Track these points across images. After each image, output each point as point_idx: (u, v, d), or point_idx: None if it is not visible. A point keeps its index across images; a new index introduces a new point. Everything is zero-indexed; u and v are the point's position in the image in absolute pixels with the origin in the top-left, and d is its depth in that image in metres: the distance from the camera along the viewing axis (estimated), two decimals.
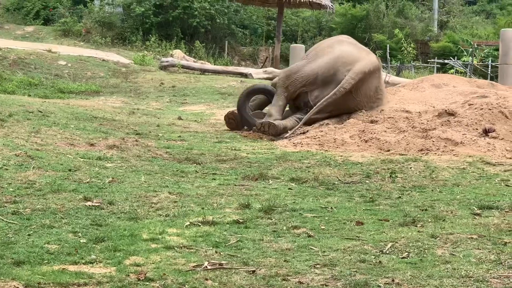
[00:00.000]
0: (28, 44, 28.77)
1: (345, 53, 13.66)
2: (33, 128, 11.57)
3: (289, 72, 14.05)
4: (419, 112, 12.74)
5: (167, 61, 27.45)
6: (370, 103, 13.65)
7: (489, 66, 30.36)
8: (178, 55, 29.68)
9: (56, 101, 16.84)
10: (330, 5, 31.27)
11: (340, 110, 13.53)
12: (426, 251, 6.25)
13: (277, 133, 13.06)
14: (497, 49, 31.45)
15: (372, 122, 12.67)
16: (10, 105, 13.37)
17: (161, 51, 32.31)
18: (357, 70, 13.29)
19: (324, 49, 14.13)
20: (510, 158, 10.81)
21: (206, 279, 5.46)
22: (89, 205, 7.66)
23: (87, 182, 8.68)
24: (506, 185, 9.19)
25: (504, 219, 7.27)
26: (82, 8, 36.02)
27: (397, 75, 28.35)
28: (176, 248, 6.29)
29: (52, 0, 40.22)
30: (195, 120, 15.90)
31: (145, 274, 5.52)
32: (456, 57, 32.64)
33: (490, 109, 12.21)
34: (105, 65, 26.28)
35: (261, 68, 30.29)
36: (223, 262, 5.90)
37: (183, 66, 27.16)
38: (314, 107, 13.29)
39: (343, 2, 40.45)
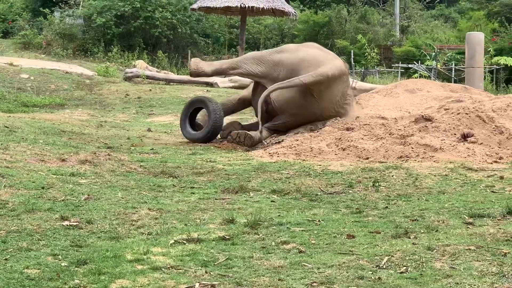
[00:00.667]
0: None
1: (309, 56, 13.37)
2: (1, 144, 11.16)
3: None
4: (395, 118, 12.55)
5: (131, 72, 27.09)
6: (337, 109, 13.41)
7: (453, 69, 30.37)
8: (141, 66, 29.40)
9: (21, 115, 16.41)
10: (293, 12, 31.14)
11: (306, 116, 13.24)
12: (424, 264, 5.99)
13: (253, 144, 12.80)
14: (459, 53, 31.59)
15: (348, 129, 12.44)
16: None
17: (123, 62, 31.98)
18: (320, 71, 13.00)
19: (289, 50, 13.88)
20: (491, 163, 10.64)
21: None
22: (67, 225, 7.30)
23: (62, 200, 8.31)
24: (492, 192, 8.99)
25: (500, 228, 7.04)
26: (42, 20, 35.54)
27: (362, 80, 28.24)
28: (163, 268, 5.97)
29: (10, 13, 39.71)
30: (165, 132, 15.58)
31: None
32: (419, 61, 32.62)
33: (467, 114, 12.05)
34: (68, 78, 25.83)
35: (225, 77, 30.03)
36: (214, 283, 5.60)
37: (147, 77, 26.83)
38: (265, 91, 13.04)
39: (305, 9, 40.36)
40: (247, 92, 14.51)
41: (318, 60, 13.20)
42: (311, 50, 13.59)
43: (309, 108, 13.19)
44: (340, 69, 13.35)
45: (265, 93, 13.00)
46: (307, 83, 12.84)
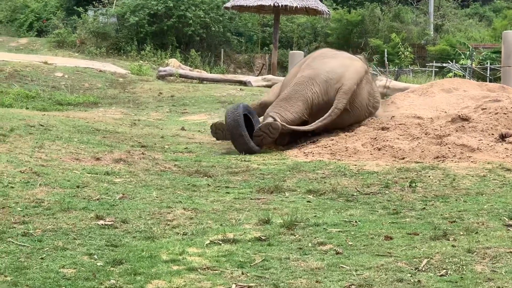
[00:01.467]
0: (23, 56, 28.43)
1: (329, 73, 13.09)
2: (36, 142, 11.19)
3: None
4: (431, 118, 12.41)
5: (164, 71, 27.11)
6: (369, 110, 13.31)
7: (488, 68, 30.10)
8: (174, 64, 29.42)
9: (56, 113, 16.45)
10: (326, 11, 31.03)
11: (341, 126, 13.12)
12: (464, 267, 5.90)
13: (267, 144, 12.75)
14: (495, 52, 31.31)
15: (383, 129, 12.31)
16: (10, 119, 12.98)
17: (156, 60, 32.03)
18: (347, 88, 12.78)
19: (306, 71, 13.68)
20: None
21: None
22: (102, 224, 7.29)
23: (97, 199, 8.30)
24: None
25: None
26: (76, 19, 35.67)
27: (396, 79, 28.03)
28: (199, 269, 5.93)
29: (45, 12, 39.94)
30: (199, 130, 15.54)
31: None
32: (454, 60, 32.38)
33: (505, 113, 11.88)
34: (102, 76, 25.92)
35: (257, 75, 30.01)
36: (251, 284, 5.55)
37: (180, 75, 26.84)
38: (307, 127, 12.80)
39: (338, 8, 40.20)
40: (267, 97, 14.25)
41: (338, 73, 12.99)
42: (328, 65, 13.29)
43: (345, 120, 13.09)
44: (360, 73, 13.16)
45: (306, 129, 12.81)
46: (344, 107, 12.74)
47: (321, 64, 13.29)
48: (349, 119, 13.08)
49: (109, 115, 17.74)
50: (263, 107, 13.63)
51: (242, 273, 5.83)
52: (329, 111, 12.63)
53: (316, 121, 12.66)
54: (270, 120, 12.40)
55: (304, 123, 12.84)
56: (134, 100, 22.28)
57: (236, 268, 5.98)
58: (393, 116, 12.81)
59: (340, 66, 13.14)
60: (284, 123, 12.34)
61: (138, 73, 27.46)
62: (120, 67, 28.84)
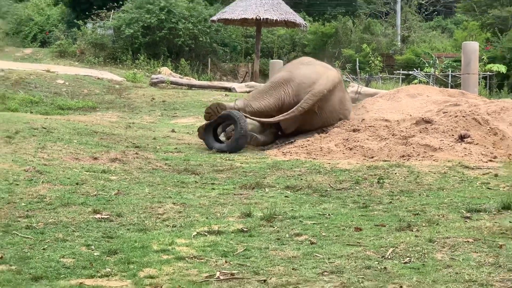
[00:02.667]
0: (27, 65, 28.26)
1: (303, 77, 13.08)
2: (39, 144, 11.14)
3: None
4: (398, 121, 12.43)
5: (156, 78, 27.02)
6: (338, 116, 13.32)
7: (450, 76, 30.15)
8: (165, 72, 29.33)
9: (57, 117, 16.37)
10: (303, 23, 31.04)
11: (309, 127, 13.11)
12: (426, 255, 5.92)
13: (258, 145, 12.81)
14: (456, 61, 31.35)
15: (354, 131, 12.33)
16: (16, 123, 12.92)
17: (149, 68, 31.92)
18: (316, 91, 12.77)
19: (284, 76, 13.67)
20: (487, 162, 10.52)
21: None
22: (99, 218, 7.28)
23: (95, 195, 8.28)
24: (488, 188, 8.89)
25: (495, 222, 6.95)
26: (76, 31, 35.50)
27: (367, 85, 28.04)
28: (187, 258, 5.93)
29: (48, 24, 39.77)
30: (188, 132, 15.49)
31: (161, 287, 5.17)
32: (419, 68, 32.43)
33: (464, 116, 11.93)
34: (100, 83, 25.79)
35: (241, 82, 29.95)
36: (234, 271, 5.56)
37: (171, 82, 26.75)
38: (272, 119, 12.85)
39: (311, 20, 40.17)
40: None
41: (311, 78, 12.98)
42: (303, 71, 13.32)
43: (314, 122, 13.06)
44: (333, 81, 13.08)
45: (270, 121, 12.87)
46: (309, 107, 12.73)
47: (297, 69, 13.32)
48: (317, 121, 13.03)
49: (106, 119, 17.66)
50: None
51: (226, 262, 5.84)
52: (294, 108, 12.71)
53: (280, 115, 12.75)
54: (231, 105, 12.93)
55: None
56: (129, 105, 22.18)
57: (220, 257, 5.98)
58: (363, 119, 12.82)
59: (315, 72, 13.12)
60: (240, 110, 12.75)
61: (133, 80, 27.35)
62: (117, 75, 28.70)
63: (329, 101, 12.93)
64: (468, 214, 7.36)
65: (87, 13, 36.58)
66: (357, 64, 32.35)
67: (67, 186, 8.65)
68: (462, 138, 11.39)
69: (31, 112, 18.01)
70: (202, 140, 13.15)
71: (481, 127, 11.64)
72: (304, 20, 33.51)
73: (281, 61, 26.61)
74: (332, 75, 13.24)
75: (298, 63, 13.94)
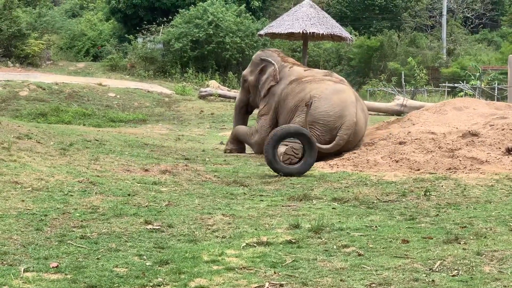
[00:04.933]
0: (80, 79, 28.72)
1: (326, 116, 12.83)
2: (92, 155, 11.30)
3: None
4: (444, 134, 12.32)
5: (205, 91, 27.25)
6: (365, 127, 13.45)
7: (496, 88, 29.84)
8: (213, 85, 29.53)
9: (109, 129, 16.61)
10: (349, 37, 30.86)
11: (345, 149, 13.00)
12: (474, 268, 5.85)
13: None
14: (502, 73, 31.02)
15: (400, 143, 12.24)
16: (70, 135, 13.12)
17: (198, 82, 32.21)
18: (346, 126, 12.72)
19: None
20: None
21: None
22: (150, 228, 7.34)
23: (146, 206, 8.35)
24: None
25: None
26: (127, 46, 36.00)
27: (412, 98, 27.92)
28: (236, 269, 5.94)
29: (100, 39, 40.33)
30: None
31: None
32: (464, 81, 32.15)
33: (510, 129, 11.77)
34: (149, 96, 26.08)
35: None
36: (283, 282, 5.55)
37: (219, 95, 26.94)
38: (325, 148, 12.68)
39: (357, 34, 40.09)
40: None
41: (335, 114, 12.86)
42: (322, 108, 12.93)
43: (349, 146, 13.05)
44: (353, 102, 13.03)
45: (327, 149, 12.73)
46: (345, 140, 12.87)
47: (315, 108, 12.82)
48: (351, 144, 12.96)
49: (156, 131, 17.85)
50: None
51: (275, 272, 5.84)
52: (334, 143, 12.69)
53: (323, 146, 12.54)
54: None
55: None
56: (178, 117, 22.40)
57: (269, 268, 5.98)
58: (410, 132, 12.73)
59: (334, 106, 12.92)
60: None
61: (182, 93, 27.61)
62: (166, 88, 28.99)
63: (357, 123, 12.92)
64: None
65: (137, 28, 37.05)
66: (403, 77, 32.20)
67: (119, 197, 8.74)
68: (509, 151, 11.24)
69: (84, 125, 18.29)
70: (251, 153, 13.19)
71: None
72: (350, 34, 33.49)
73: None
74: (349, 98, 13.06)
75: (305, 89, 13.48)
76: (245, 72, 15.26)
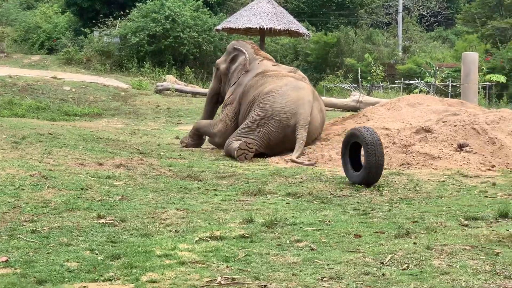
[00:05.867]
0: (35, 72, 28.36)
1: (282, 112, 12.73)
2: (45, 149, 11.18)
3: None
4: (398, 129, 12.44)
5: (162, 85, 27.13)
6: (322, 125, 13.33)
7: (450, 86, 30.19)
8: (170, 80, 29.40)
9: (63, 123, 16.44)
10: (306, 33, 30.99)
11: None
12: (424, 262, 5.91)
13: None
14: (456, 71, 31.39)
15: None
16: (23, 128, 12.97)
17: (155, 76, 32.05)
18: (302, 123, 12.52)
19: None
20: (485, 171, 10.53)
21: None
22: (103, 223, 7.28)
23: (99, 200, 8.29)
24: (486, 197, 8.89)
25: (492, 230, 6.95)
26: (83, 39, 35.67)
27: (368, 94, 28.13)
28: (189, 263, 5.93)
29: (55, 32, 39.90)
30: None
31: None
32: (419, 78, 32.46)
33: (463, 126, 11.93)
34: (106, 90, 25.88)
35: None
36: (235, 276, 5.55)
37: (176, 90, 26.86)
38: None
39: (314, 30, 40.22)
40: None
41: (290, 110, 12.73)
42: (278, 103, 12.88)
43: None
44: (309, 101, 12.84)
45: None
46: (306, 137, 12.61)
47: (271, 103, 12.87)
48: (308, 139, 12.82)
49: (111, 125, 17.72)
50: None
51: (227, 267, 5.84)
52: (297, 146, 12.32)
53: (294, 155, 12.18)
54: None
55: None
56: (134, 111, 22.27)
57: (221, 262, 5.97)
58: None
59: (290, 102, 12.80)
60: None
61: (138, 87, 27.45)
62: (122, 82, 28.79)
63: (312, 122, 12.76)
64: (466, 222, 7.36)
65: (93, 21, 36.71)
66: (359, 73, 32.39)
67: (72, 191, 8.66)
68: (461, 147, 11.40)
69: (38, 118, 18.08)
70: (207, 146, 13.22)
71: (480, 136, 11.64)
72: (307, 30, 33.60)
73: None
74: (307, 97, 12.94)
75: (266, 83, 13.46)
76: (218, 60, 15.34)
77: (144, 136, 15.47)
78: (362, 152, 9.90)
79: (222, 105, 14.58)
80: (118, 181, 9.58)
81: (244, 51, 14.55)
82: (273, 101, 12.83)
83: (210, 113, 15.15)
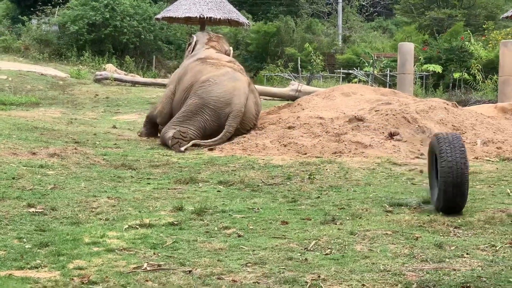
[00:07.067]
0: None
1: (217, 101, 12.89)
2: None
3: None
4: (332, 118, 12.66)
5: (100, 75, 26.96)
6: (255, 117, 13.41)
7: (388, 75, 30.64)
8: (110, 69, 29.25)
9: None
10: (246, 23, 31.12)
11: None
12: (346, 247, 6.10)
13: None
14: (394, 61, 31.83)
15: (289, 128, 12.53)
16: None
17: (94, 65, 31.82)
18: (235, 114, 12.71)
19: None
20: (414, 159, 10.81)
21: (146, 280, 5.20)
22: (33, 212, 7.30)
23: (30, 189, 8.29)
24: (412, 184, 9.16)
25: (414, 216, 7.19)
26: (21, 27, 35.21)
27: (308, 84, 28.37)
28: (116, 250, 6.00)
29: None
30: (129, 128, 15.55)
31: (89, 278, 5.23)
32: (358, 67, 32.88)
33: (394, 115, 12.21)
34: (43, 79, 25.62)
35: None
36: (161, 263, 5.66)
37: (115, 79, 26.72)
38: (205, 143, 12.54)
39: (255, 19, 40.37)
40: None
41: (225, 100, 12.90)
42: (214, 92, 13.05)
43: (237, 132, 13.02)
44: (245, 93, 13.01)
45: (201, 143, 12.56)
46: (234, 129, 12.77)
47: (207, 92, 13.03)
48: (237, 131, 12.88)
49: (48, 115, 17.57)
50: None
51: (154, 254, 5.93)
52: (222, 134, 12.58)
53: (209, 140, 12.54)
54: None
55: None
56: (72, 101, 22.09)
57: (149, 249, 6.06)
58: (299, 117, 13.02)
59: (226, 92, 12.95)
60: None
61: (77, 76, 27.25)
62: (61, 71, 28.52)
63: (246, 113, 12.93)
64: (390, 208, 7.59)
65: (32, 9, 36.25)
66: (299, 62, 32.65)
67: (3, 180, 8.64)
68: (392, 135, 11.67)
69: None
70: (141, 136, 13.30)
71: (410, 125, 11.93)
72: (247, 19, 33.71)
73: None
74: (243, 88, 13.07)
75: (204, 71, 13.62)
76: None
77: (80, 125, 15.42)
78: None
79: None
80: (51, 170, 9.58)
81: (195, 38, 15.14)
82: (209, 90, 12.96)
83: None
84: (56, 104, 21.11)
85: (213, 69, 13.50)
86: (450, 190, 7.04)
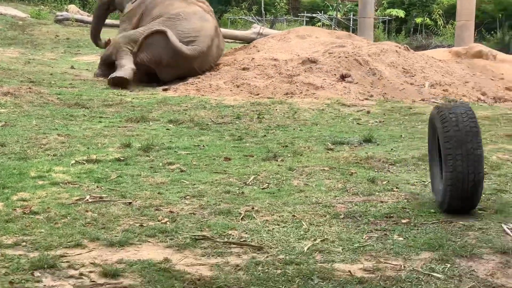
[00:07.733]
0: None
1: (182, 35, 12.98)
2: None
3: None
4: (286, 60, 12.84)
5: (61, 15, 26.74)
6: (215, 59, 13.59)
7: (351, 19, 30.76)
8: (73, 10, 28.98)
9: None
10: None
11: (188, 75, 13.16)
12: (284, 182, 6.36)
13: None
14: (357, 5, 32.00)
15: (244, 69, 12.70)
16: None
17: (56, 6, 31.41)
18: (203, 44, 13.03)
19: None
20: (363, 100, 11.06)
21: (87, 211, 5.41)
22: None
23: None
24: (358, 123, 9.42)
25: (353, 153, 7.46)
26: None
27: (271, 27, 28.41)
28: (61, 184, 6.20)
29: None
30: (87, 69, 15.58)
31: (31, 208, 5.43)
32: (322, 11, 32.92)
33: (346, 57, 12.43)
34: (2, 19, 25.33)
35: None
36: (103, 195, 5.87)
37: (77, 20, 26.51)
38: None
39: None
40: None
41: (190, 36, 13.08)
42: (182, 26, 13.20)
43: (192, 73, 13.20)
44: (210, 36, 13.27)
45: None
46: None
47: (175, 26, 13.15)
48: (195, 72, 13.05)
49: (6, 55, 17.51)
50: None
51: (98, 187, 6.14)
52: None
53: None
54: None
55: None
56: (32, 41, 21.96)
57: (93, 183, 6.27)
58: (253, 58, 13.18)
59: (193, 30, 13.13)
60: None
61: (37, 17, 26.97)
62: (21, 11, 28.18)
63: (207, 56, 13.13)
64: (332, 146, 7.86)
65: None
66: (263, 6, 32.59)
67: None
68: (343, 77, 11.90)
69: None
70: (96, 77, 13.44)
71: (362, 67, 12.17)
72: None
73: None
74: (210, 30, 13.29)
75: (174, 4, 13.85)
76: None
77: (38, 65, 15.43)
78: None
79: (120, 16, 14.94)
80: (3, 109, 9.69)
81: None
82: (177, 24, 13.15)
83: (98, 18, 16.12)
84: (15, 44, 20.99)
85: (184, 5, 13.66)
86: (458, 203, 5.30)
